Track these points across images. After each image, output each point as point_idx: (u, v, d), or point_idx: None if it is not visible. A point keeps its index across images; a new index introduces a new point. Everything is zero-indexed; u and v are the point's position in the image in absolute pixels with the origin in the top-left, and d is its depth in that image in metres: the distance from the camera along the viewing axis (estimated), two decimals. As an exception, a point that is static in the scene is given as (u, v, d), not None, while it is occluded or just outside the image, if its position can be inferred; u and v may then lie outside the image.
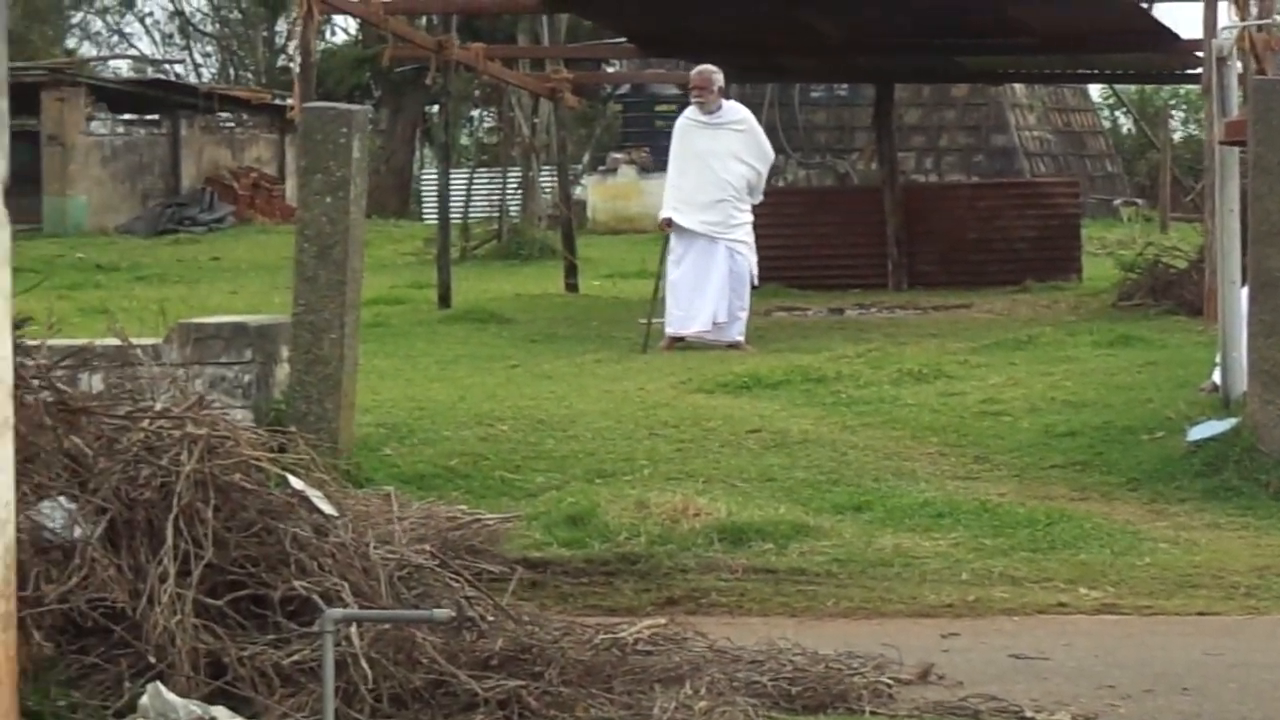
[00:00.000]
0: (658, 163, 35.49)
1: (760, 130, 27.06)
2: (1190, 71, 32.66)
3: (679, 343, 25.61)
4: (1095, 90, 51.25)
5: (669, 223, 26.34)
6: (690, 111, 26.95)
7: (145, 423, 12.21)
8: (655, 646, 12.58)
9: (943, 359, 24.38)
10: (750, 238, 26.28)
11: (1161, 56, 32.12)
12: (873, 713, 12.02)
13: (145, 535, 11.64)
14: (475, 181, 44.90)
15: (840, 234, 33.01)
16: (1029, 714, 11.88)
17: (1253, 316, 18.75)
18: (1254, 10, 25.56)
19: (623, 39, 33.03)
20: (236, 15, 66.76)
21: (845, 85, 43.02)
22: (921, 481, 18.80)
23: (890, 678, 12.59)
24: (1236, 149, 20.61)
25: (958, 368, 23.89)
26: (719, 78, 26.62)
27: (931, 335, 26.69)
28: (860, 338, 26.67)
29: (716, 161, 26.01)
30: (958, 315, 28.85)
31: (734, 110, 26.93)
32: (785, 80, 42.04)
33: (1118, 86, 50.94)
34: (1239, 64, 24.20)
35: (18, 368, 10.40)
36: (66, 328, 15.82)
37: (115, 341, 15.21)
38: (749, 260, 26.19)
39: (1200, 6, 26.65)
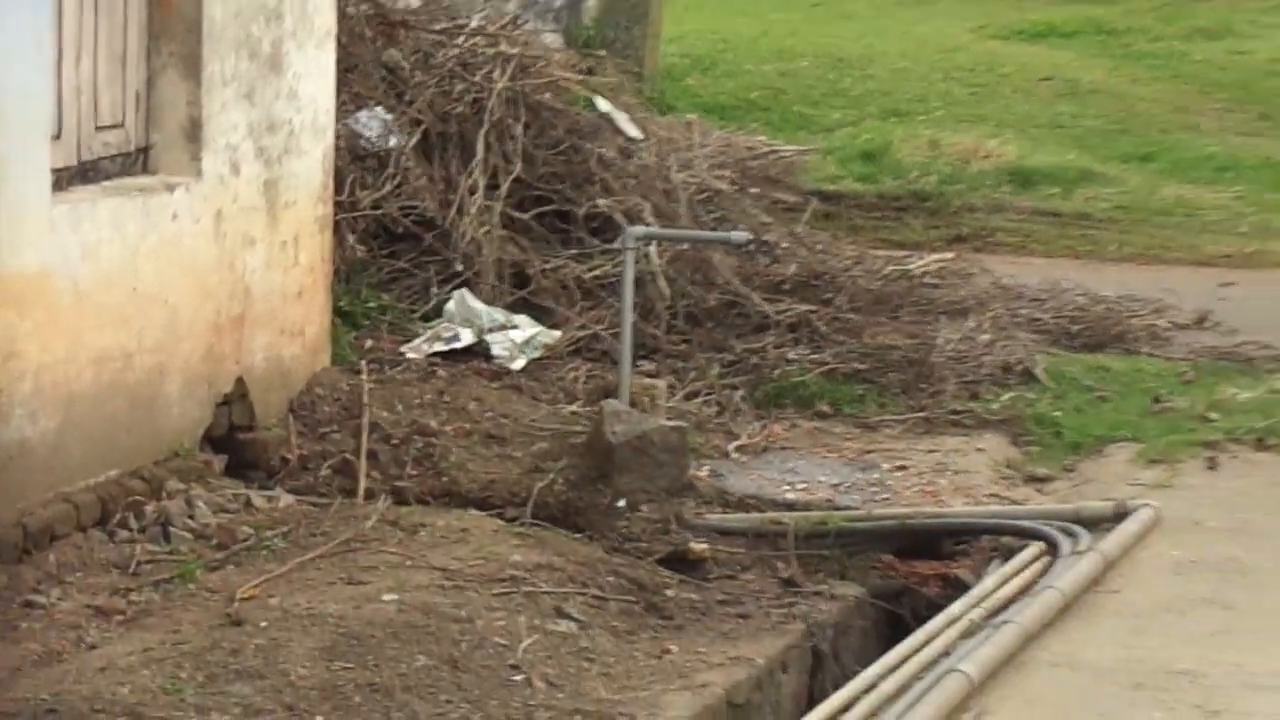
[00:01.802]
0: None
1: None
2: None
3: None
4: None
5: None
6: None
7: (461, 39, 12.20)
8: (942, 280, 12.53)
9: (1234, 16, 24.01)
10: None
11: None
12: (1149, 354, 11.93)
13: (457, 148, 11.66)
14: None
15: None
16: (1303, 358, 11.78)
17: None
18: None
19: None
20: None
21: None
22: (1206, 135, 18.62)
23: (1168, 321, 12.49)
24: None
25: (1248, 26, 23.55)
26: None
27: (1225, -8, 26.22)
28: (1149, -12, 26.27)
29: None
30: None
31: None
32: None
33: None
34: None
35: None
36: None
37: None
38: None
39: None
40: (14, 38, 8.21)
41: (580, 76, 12.74)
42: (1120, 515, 9.26)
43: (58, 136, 8.59)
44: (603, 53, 14.69)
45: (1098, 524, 9.17)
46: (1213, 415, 10.77)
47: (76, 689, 7.30)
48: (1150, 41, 22.54)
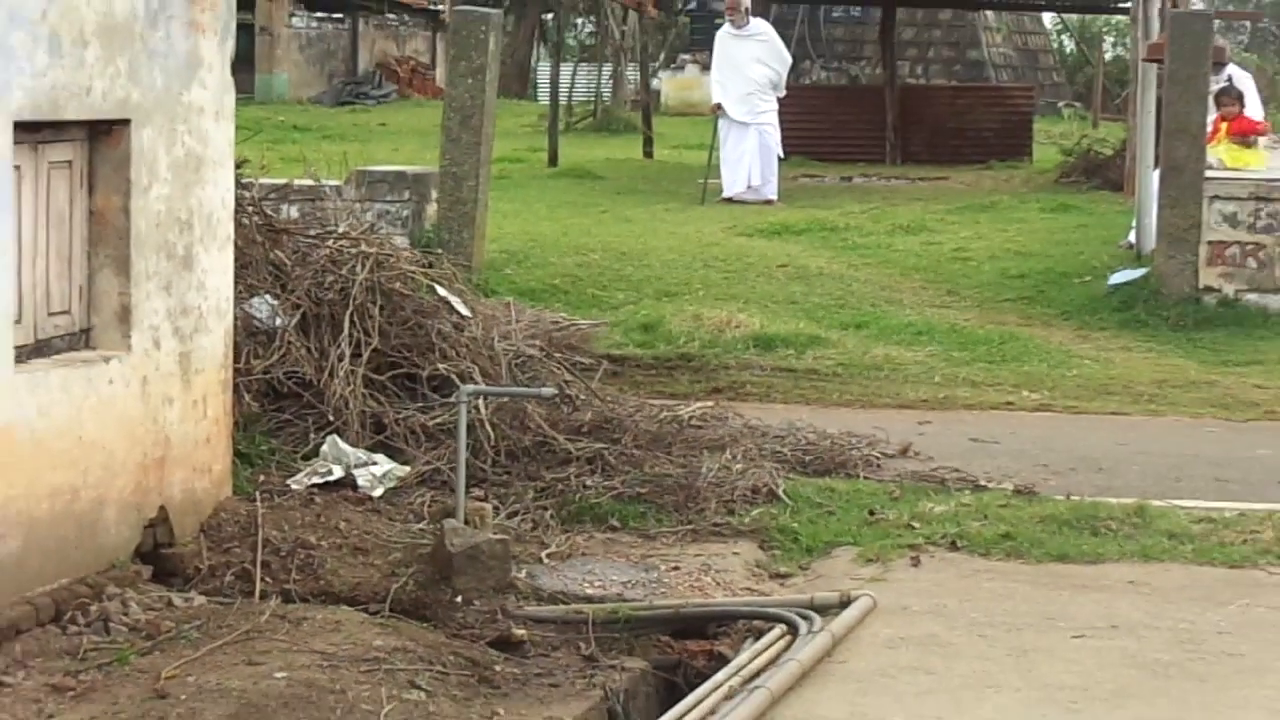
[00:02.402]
0: (714, 62, 35.62)
1: (779, 40, 27.32)
2: (1121, 5, 32.52)
3: (729, 201, 25.56)
4: (1047, 18, 50.82)
5: (719, 107, 26.52)
6: (726, 26, 27.30)
7: (330, 242, 12.31)
8: (704, 422, 12.65)
9: (925, 217, 24.34)
10: (775, 120, 26.38)
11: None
12: (865, 477, 12.08)
13: (328, 326, 11.72)
14: (577, 73, 44.85)
15: (851, 121, 32.97)
16: (983, 482, 11.92)
17: (1162, 192, 18.78)
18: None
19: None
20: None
21: (858, 8, 42.71)
22: (907, 307, 18.84)
23: (879, 452, 12.66)
24: (1154, 65, 20.52)
25: (936, 223, 23.86)
26: (747, 2, 26.81)
27: (917, 199, 26.60)
28: (863, 199, 26.59)
29: (744, 65, 26.28)
30: (938, 185, 28.76)
31: (758, 25, 27.05)
32: (811, 2, 41.87)
33: (1065, 15, 50.58)
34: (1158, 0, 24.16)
35: (236, 198, 10.44)
36: (271, 171, 15.84)
37: (308, 182, 15.27)
38: (774, 138, 26.27)
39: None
40: (-14, 245, 8.29)
41: (423, 269, 12.83)
42: (845, 603, 9.38)
43: (19, 321, 8.63)
44: (440, 250, 14.80)
45: (827, 610, 9.28)
46: (915, 524, 10.90)
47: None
48: (862, 236, 22.84)
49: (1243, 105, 21.90)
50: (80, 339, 9.22)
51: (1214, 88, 20.52)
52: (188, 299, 9.78)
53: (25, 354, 8.68)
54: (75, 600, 8.80)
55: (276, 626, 8.92)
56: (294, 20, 49.66)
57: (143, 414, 9.41)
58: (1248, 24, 46.46)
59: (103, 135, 9.25)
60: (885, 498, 11.52)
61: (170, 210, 9.61)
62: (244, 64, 10.16)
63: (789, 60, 27.81)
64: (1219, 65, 21.40)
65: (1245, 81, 23.34)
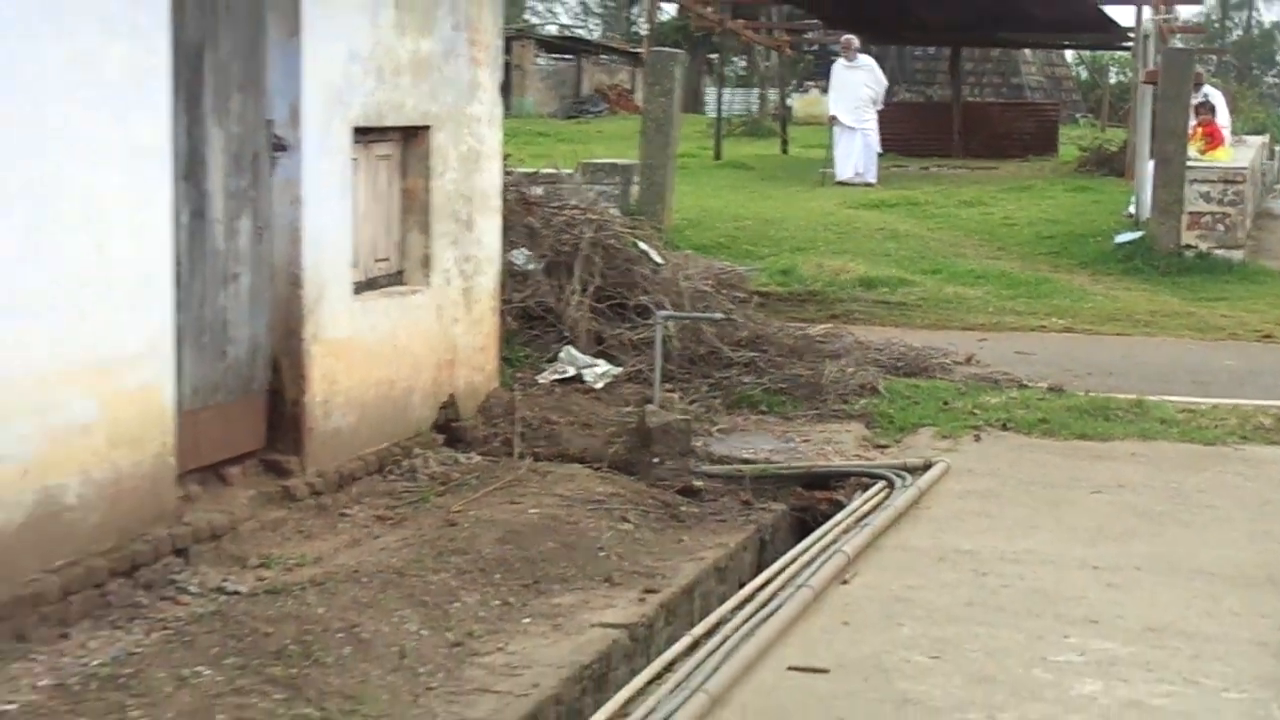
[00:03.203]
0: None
1: (878, 69, 27.31)
2: (1124, 45, 32.02)
3: (842, 184, 25.43)
4: (1069, 53, 49.97)
5: (834, 118, 26.45)
6: (840, 60, 27.30)
7: (565, 211, 12.36)
8: (826, 339, 12.62)
9: (982, 194, 24.15)
10: (875, 127, 26.30)
11: (1108, 36, 31.63)
12: (940, 378, 12.04)
13: (565, 270, 11.79)
14: (734, 94, 44.64)
15: (928, 127, 32.60)
16: (1025, 382, 11.85)
17: (1155, 177, 18.76)
18: (1162, 9, 25.07)
19: (814, 19, 32.74)
20: (611, 3, 66.38)
21: (933, 47, 42.24)
22: (969, 259, 18.73)
23: (950, 361, 12.60)
24: (1150, 86, 20.29)
25: (989, 199, 23.67)
26: (855, 41, 26.94)
27: (975, 183, 26.30)
28: (937, 182, 26.37)
29: (853, 87, 26.27)
30: (990, 172, 28.37)
31: (864, 59, 27.02)
32: (901, 43, 41.48)
33: (1081, 51, 49.77)
34: (1153, 39, 23.81)
35: (502, 181, 10.52)
36: (525, 163, 15.98)
37: (550, 170, 15.34)
38: (874, 139, 26.18)
39: (1133, 8, 26.12)
40: (336, 217, 8.43)
41: (629, 230, 12.88)
42: (927, 466, 9.37)
43: (355, 265, 8.78)
44: (641, 217, 14.85)
45: (915, 470, 9.27)
46: (976, 411, 10.86)
47: (369, 560, 7.48)
48: (936, 208, 22.70)
49: (1214, 114, 21.90)
50: (396, 278, 9.35)
51: (1194, 102, 20.41)
52: (469, 250, 9.89)
53: (359, 288, 8.82)
54: (392, 458, 8.96)
55: (529, 478, 9.04)
56: (538, 60, 49.95)
57: (438, 330, 9.54)
58: (1214, 57, 45.60)
59: (412, 137, 9.36)
60: (955, 392, 11.49)
61: (457, 189, 9.72)
62: (505, 89, 10.20)
63: (885, 83, 27.78)
64: (1198, 86, 21.66)
65: (1217, 97, 23.58)
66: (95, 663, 6.11)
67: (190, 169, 7.49)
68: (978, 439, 10.29)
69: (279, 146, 8.08)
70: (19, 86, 6.29)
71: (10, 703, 5.74)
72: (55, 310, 6.51)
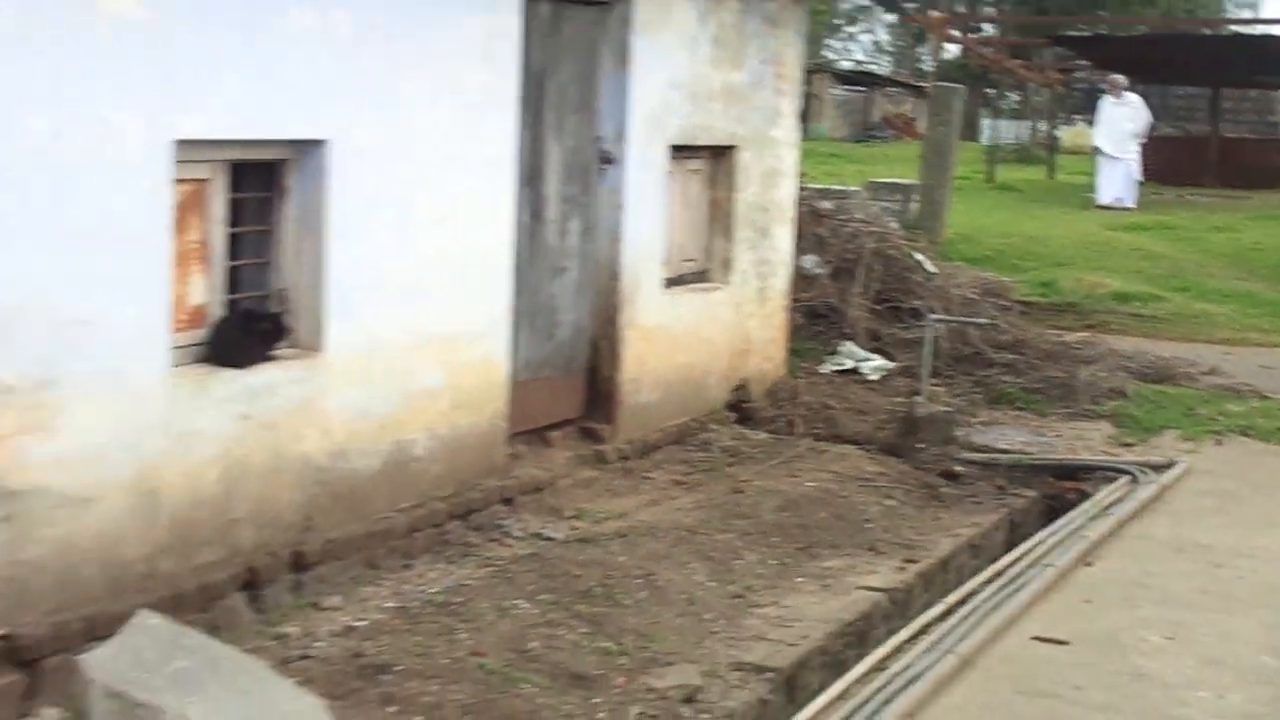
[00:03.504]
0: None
1: (1143, 106, 26.26)
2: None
3: (1102, 208, 24.67)
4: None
5: (1097, 148, 25.67)
6: (1107, 96, 26.35)
7: (851, 224, 12.23)
8: (1080, 346, 12.25)
9: (1232, 220, 23.10)
10: (1136, 157, 25.41)
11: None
12: (1185, 386, 11.59)
13: (847, 274, 11.69)
14: (1007, 125, 43.69)
15: (1187, 158, 31.37)
16: (1266, 393, 11.31)
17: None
18: None
19: (1085, 60, 31.83)
20: (901, 42, 65.70)
21: (1195, 87, 40.70)
22: (1217, 278, 17.93)
23: (1196, 371, 12.10)
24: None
25: (1240, 225, 22.61)
26: (1123, 80, 25.97)
27: (1227, 210, 25.17)
28: (1191, 209, 25.32)
29: (1118, 122, 25.39)
30: (1242, 201, 27.08)
31: (1130, 96, 26.09)
32: (1165, 83, 40.08)
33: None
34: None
35: (796, 195, 10.46)
36: (816, 180, 15.88)
37: (839, 187, 15.23)
38: (1136, 168, 25.31)
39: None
40: (652, 221, 8.50)
41: (907, 242, 12.70)
42: (1169, 465, 9.05)
43: (666, 263, 8.85)
44: (918, 231, 14.61)
45: (1158, 468, 8.97)
46: (1219, 417, 10.42)
47: (665, 518, 7.55)
48: (1190, 232, 21.80)
49: None
50: (700, 276, 9.39)
51: None
52: (765, 254, 9.88)
53: (669, 283, 8.88)
54: (689, 431, 9.01)
55: (807, 455, 8.99)
56: (833, 90, 49.66)
57: (735, 323, 9.56)
58: None
59: (720, 155, 9.39)
60: (1199, 400, 11.04)
61: (757, 201, 9.71)
62: (803, 115, 10.16)
63: (1149, 119, 26.81)
64: None
65: None
66: (432, 591, 6.29)
67: (531, 177, 7.66)
68: (1219, 443, 9.87)
69: (606, 160, 8.20)
70: (400, 102, 6.51)
71: (361, 619, 5.95)
72: (413, 292, 6.72)
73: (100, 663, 3.45)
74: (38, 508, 5.10)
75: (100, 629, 4.90)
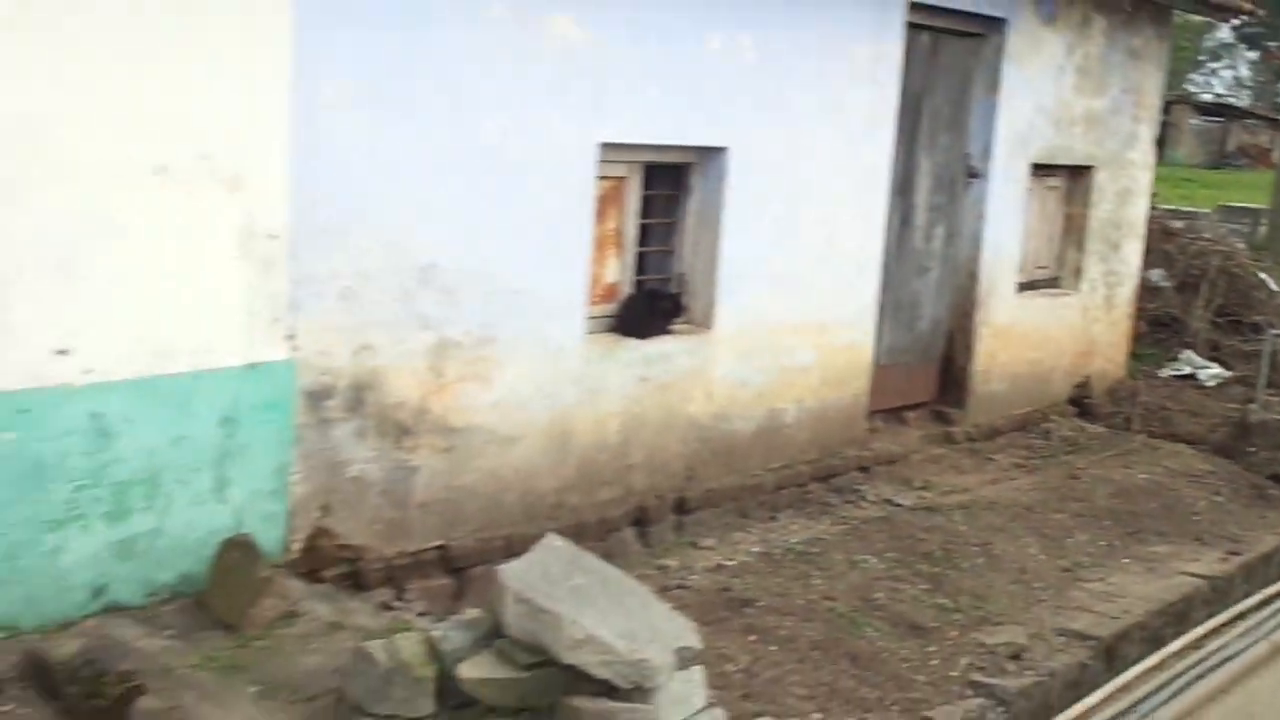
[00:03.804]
0: None
1: None
2: None
3: None
4: None
5: None
6: None
7: (1199, 243, 11.52)
8: None
9: None
10: None
11: None
12: None
13: (1192, 289, 11.02)
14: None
15: None
16: None
17: None
18: None
19: None
20: (1261, 78, 61.55)
21: None
22: None
23: None
24: None
25: None
26: None
27: None
28: None
29: None
30: None
31: None
32: None
33: None
34: None
35: (1148, 214, 9.93)
36: (1169, 201, 15.03)
37: (1190, 208, 14.38)
38: None
39: None
40: (1009, 230, 8.24)
41: (1252, 261, 11.88)
42: None
43: (1020, 269, 8.57)
44: (1265, 252, 13.66)
45: None
46: None
47: (1005, 495, 7.32)
48: None
49: None
50: (1052, 282, 9.04)
51: None
52: (1113, 266, 9.44)
53: (1021, 287, 8.60)
54: (1031, 420, 8.72)
55: (1141, 449, 8.55)
56: (1191, 121, 46.97)
57: (1081, 326, 9.18)
58: None
59: (1077, 174, 9.01)
60: None
61: (1109, 217, 9.29)
62: (1160, 142, 9.65)
63: None
64: None
65: None
66: (792, 540, 6.30)
67: (903, 186, 7.56)
68: None
69: (972, 174, 8.01)
70: (792, 117, 6.53)
71: (731, 560, 6.02)
72: (793, 283, 6.73)
73: (514, 574, 3.61)
74: (473, 443, 5.38)
75: (515, 547, 5.10)
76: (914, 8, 7.13)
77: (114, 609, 4.20)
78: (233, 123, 4.32)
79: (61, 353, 4.03)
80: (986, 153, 7.98)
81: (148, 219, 4.17)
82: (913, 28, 7.22)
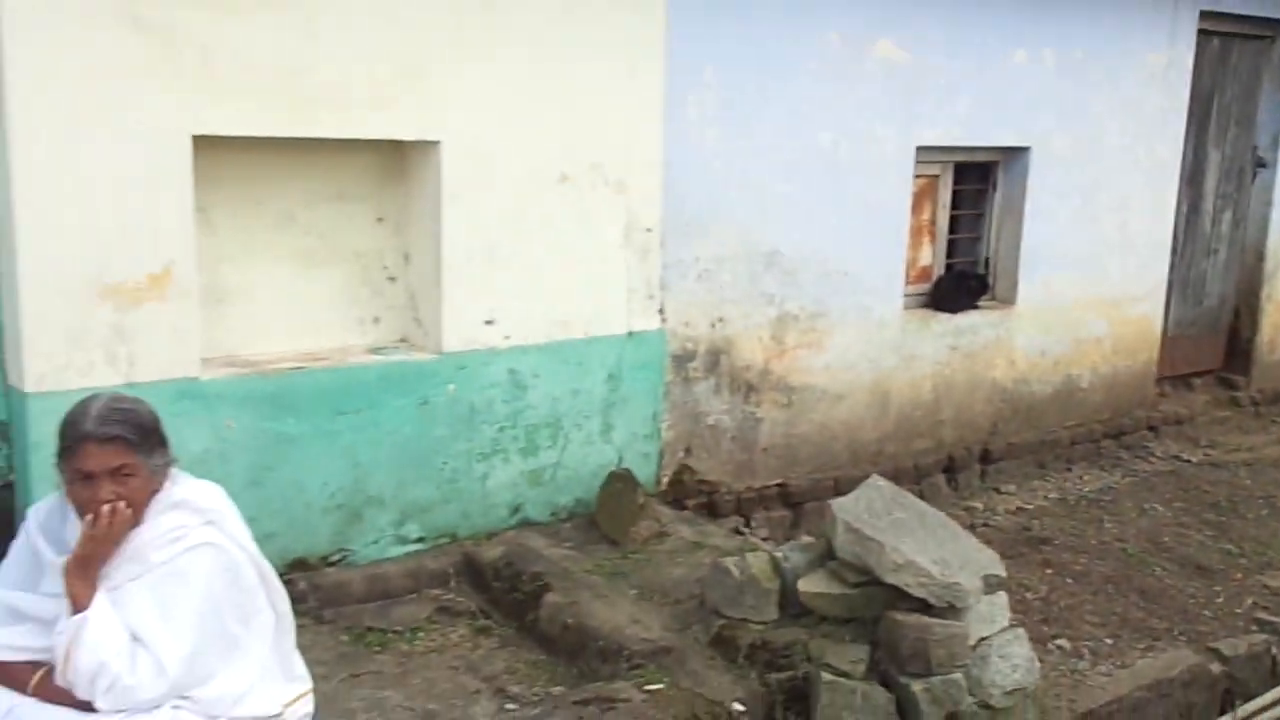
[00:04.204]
0: None
1: None
2: None
3: None
4: None
5: None
6: None
7: None
8: None
9: None
10: None
11: None
12: None
13: None
14: None
15: None
16: None
17: None
18: None
19: None
20: None
21: None
22: None
23: None
24: None
25: None
26: None
27: None
28: None
29: None
30: None
31: None
32: None
33: None
34: None
35: None
36: None
37: None
38: None
39: None
40: None
41: None
42: None
43: None
44: None
45: None
46: None
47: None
48: None
49: None
50: None
51: None
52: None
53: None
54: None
55: None
56: None
57: None
58: None
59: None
60: None
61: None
62: None
63: None
64: None
65: None
66: (1086, 490, 5.99)
67: (1192, 177, 7.01)
68: None
69: (1260, 164, 7.33)
70: (1089, 118, 6.18)
71: (1029, 504, 5.78)
72: (1088, 264, 6.37)
73: (843, 508, 3.59)
74: (808, 399, 5.38)
75: (843, 486, 5.13)
76: (1204, 15, 6.62)
77: (526, 524, 4.42)
78: (618, 139, 4.46)
79: (489, 323, 4.27)
80: (1274, 144, 7.28)
81: (553, 217, 4.34)
82: (1203, 34, 6.69)
